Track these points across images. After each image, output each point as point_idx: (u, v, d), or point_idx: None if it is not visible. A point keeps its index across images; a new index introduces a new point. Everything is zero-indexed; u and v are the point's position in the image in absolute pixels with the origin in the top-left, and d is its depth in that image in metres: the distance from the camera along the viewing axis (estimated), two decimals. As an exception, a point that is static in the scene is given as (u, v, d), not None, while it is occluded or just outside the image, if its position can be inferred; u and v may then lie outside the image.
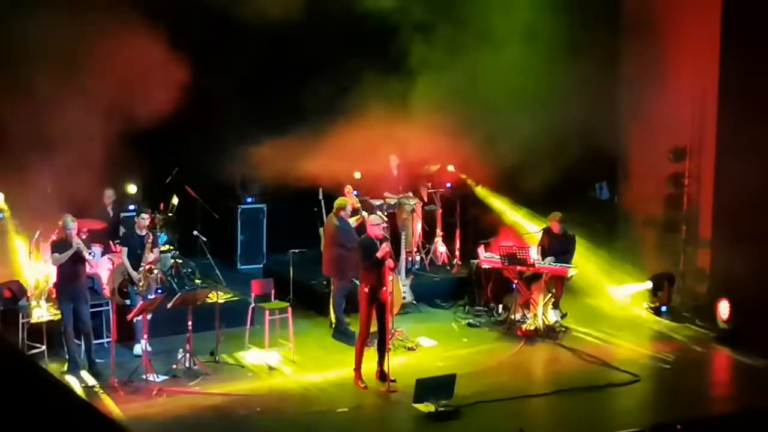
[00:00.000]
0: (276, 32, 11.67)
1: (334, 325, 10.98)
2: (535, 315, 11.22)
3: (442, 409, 8.48)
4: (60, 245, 9.40)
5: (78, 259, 9.36)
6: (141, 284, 10.08)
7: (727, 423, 8.41)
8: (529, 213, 12.73)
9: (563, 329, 11.27)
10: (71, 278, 9.44)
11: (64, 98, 10.41)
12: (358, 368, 9.29)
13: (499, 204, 13.19)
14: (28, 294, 10.51)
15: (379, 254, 9.10)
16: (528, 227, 12.39)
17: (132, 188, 12.41)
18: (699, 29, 12.08)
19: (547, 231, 11.64)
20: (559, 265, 11.37)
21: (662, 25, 12.58)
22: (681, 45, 12.25)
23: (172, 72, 10.78)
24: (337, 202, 10.99)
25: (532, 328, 11.04)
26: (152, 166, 12.00)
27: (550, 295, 11.48)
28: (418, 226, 13.02)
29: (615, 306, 12.30)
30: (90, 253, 9.43)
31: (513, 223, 12.88)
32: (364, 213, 11.20)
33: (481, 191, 13.28)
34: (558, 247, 11.43)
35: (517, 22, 12.26)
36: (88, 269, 9.76)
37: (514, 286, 11.32)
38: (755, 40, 11.48)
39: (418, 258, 13.02)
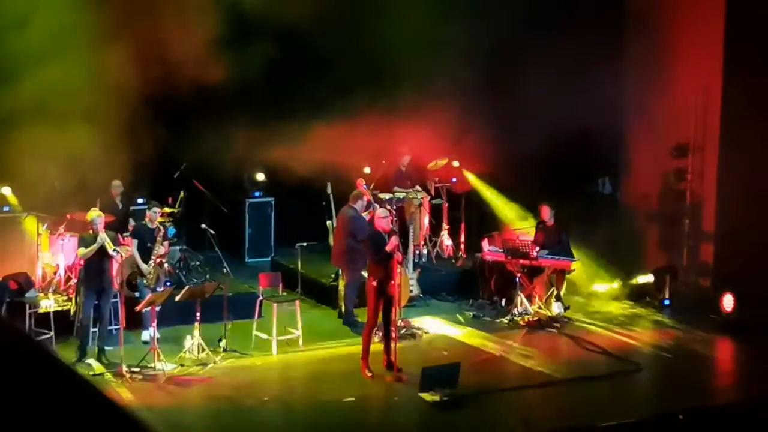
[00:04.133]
0: (282, 27, 11.73)
1: (343, 314, 11.07)
2: (538, 308, 11.30)
3: (446, 398, 8.55)
4: (87, 240, 9.48)
5: (104, 253, 9.40)
6: (150, 277, 10.17)
7: (729, 413, 8.48)
8: (525, 208, 12.78)
9: (566, 320, 11.35)
10: (96, 272, 9.52)
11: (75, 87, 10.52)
12: (365, 357, 9.36)
13: (494, 199, 13.30)
14: (36, 286, 10.60)
15: (388, 247, 9.17)
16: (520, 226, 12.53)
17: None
18: (702, 25, 12.12)
19: (540, 226, 11.74)
20: (561, 258, 11.47)
21: (666, 21, 12.62)
22: (684, 41, 12.29)
23: (182, 65, 10.87)
24: (353, 193, 11.08)
25: (535, 320, 11.12)
26: (161, 160, 12.08)
27: (552, 288, 11.58)
28: (426, 220, 13.12)
29: (617, 299, 12.36)
30: (114, 250, 9.45)
31: (506, 219, 13.03)
32: (376, 205, 11.28)
33: (477, 184, 13.36)
34: (551, 239, 11.57)
35: (521, 17, 12.30)
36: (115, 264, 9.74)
37: (517, 279, 11.41)
38: (759, 36, 11.52)
39: (425, 251, 13.11)
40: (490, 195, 13.32)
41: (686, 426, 7.92)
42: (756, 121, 11.39)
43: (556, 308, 11.45)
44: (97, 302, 9.61)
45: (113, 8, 11.06)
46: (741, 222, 11.58)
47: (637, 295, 12.40)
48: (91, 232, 9.49)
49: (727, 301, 11.11)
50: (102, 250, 9.38)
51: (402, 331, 10.45)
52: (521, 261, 11.35)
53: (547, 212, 11.66)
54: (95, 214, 9.53)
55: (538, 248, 11.45)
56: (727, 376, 10.41)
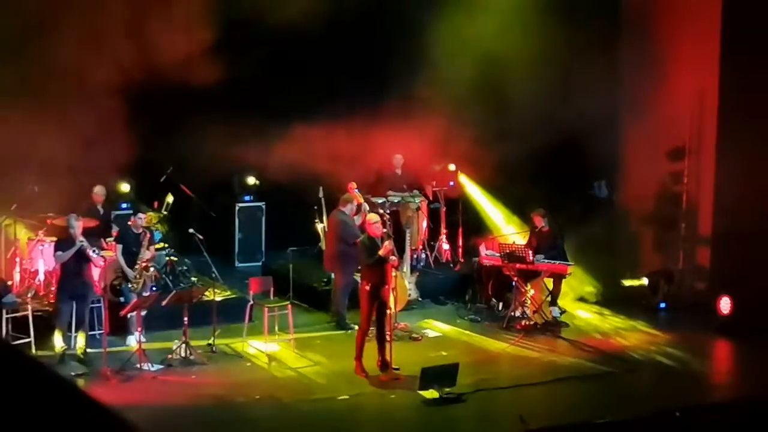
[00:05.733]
0: (274, 30, 11.59)
1: (335, 319, 10.87)
2: (534, 312, 11.13)
3: (445, 395, 8.44)
4: (63, 243, 9.34)
5: (81, 257, 9.27)
6: (136, 282, 9.91)
7: (725, 410, 8.36)
8: (520, 211, 12.62)
9: (562, 324, 11.21)
10: (73, 276, 9.36)
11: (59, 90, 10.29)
12: (359, 358, 9.20)
13: (484, 204, 13.15)
14: (14, 291, 10.33)
15: (381, 252, 9.04)
16: (505, 230, 12.35)
17: (125, 187, 12.24)
18: (699, 28, 12.08)
19: (534, 231, 11.62)
20: (558, 262, 11.34)
21: (662, 24, 12.60)
22: (681, 44, 12.27)
23: (170, 66, 10.68)
24: (343, 197, 10.92)
25: (531, 323, 10.97)
26: (148, 163, 11.85)
27: (548, 292, 11.41)
28: (424, 224, 12.96)
29: (609, 302, 12.15)
30: (94, 251, 9.33)
31: (492, 225, 12.87)
32: (366, 207, 11.10)
33: (465, 188, 13.22)
34: (547, 244, 11.47)
35: (516, 20, 12.25)
36: (92, 267, 9.61)
37: (513, 283, 11.23)
38: (755, 39, 11.46)
39: (423, 255, 12.94)
40: (485, 199, 13.16)
41: (683, 423, 7.76)
42: (752, 123, 11.29)
43: (552, 312, 11.33)
44: (75, 306, 9.43)
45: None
46: (737, 225, 11.46)
47: (631, 298, 12.21)
48: (68, 235, 9.31)
49: (724, 304, 10.97)
50: (79, 254, 9.22)
51: (401, 334, 10.36)
52: (518, 265, 11.19)
53: (540, 220, 11.55)
54: (72, 218, 9.40)
55: (534, 252, 11.28)
56: (724, 376, 10.28)
